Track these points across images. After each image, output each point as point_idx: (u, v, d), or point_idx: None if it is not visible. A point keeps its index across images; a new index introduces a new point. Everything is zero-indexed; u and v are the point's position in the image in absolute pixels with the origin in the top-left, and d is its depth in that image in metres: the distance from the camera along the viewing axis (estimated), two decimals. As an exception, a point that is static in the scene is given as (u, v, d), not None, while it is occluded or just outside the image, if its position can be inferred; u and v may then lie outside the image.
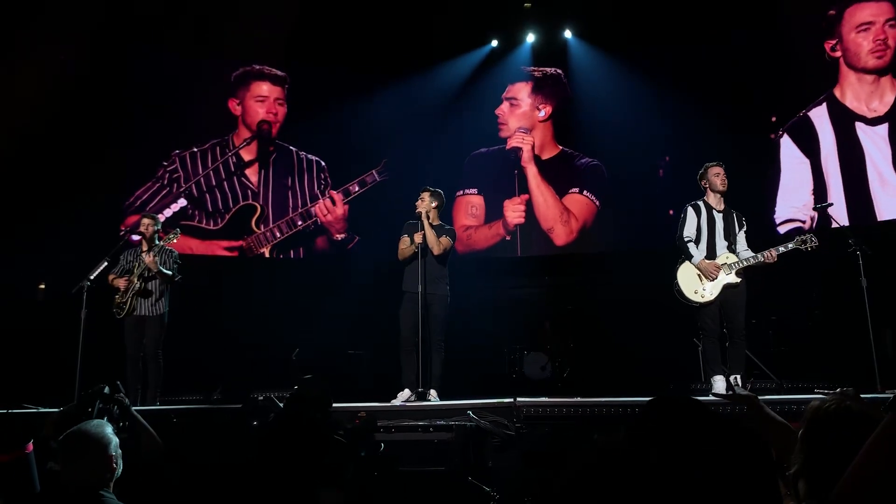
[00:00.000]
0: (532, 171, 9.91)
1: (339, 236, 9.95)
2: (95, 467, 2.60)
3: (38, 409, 5.55)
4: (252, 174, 9.88)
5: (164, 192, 9.43)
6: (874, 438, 1.14)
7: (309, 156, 10.09)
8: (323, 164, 10.10)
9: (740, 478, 1.28)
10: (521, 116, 10.13)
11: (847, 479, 1.16)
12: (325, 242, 9.97)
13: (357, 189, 9.98)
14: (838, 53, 8.44)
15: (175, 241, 6.74)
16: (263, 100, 9.99)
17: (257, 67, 10.02)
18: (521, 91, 10.20)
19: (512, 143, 10.04)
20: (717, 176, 5.87)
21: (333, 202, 9.93)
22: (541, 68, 10.13)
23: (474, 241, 9.99)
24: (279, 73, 10.05)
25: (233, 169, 9.81)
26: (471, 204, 10.09)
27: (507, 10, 9.92)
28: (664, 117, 8.94)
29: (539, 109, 10.09)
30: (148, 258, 6.41)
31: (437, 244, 6.17)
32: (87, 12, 8.30)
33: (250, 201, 9.78)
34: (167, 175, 9.50)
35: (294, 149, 10.08)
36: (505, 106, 10.18)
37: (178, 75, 9.28)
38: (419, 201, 6.29)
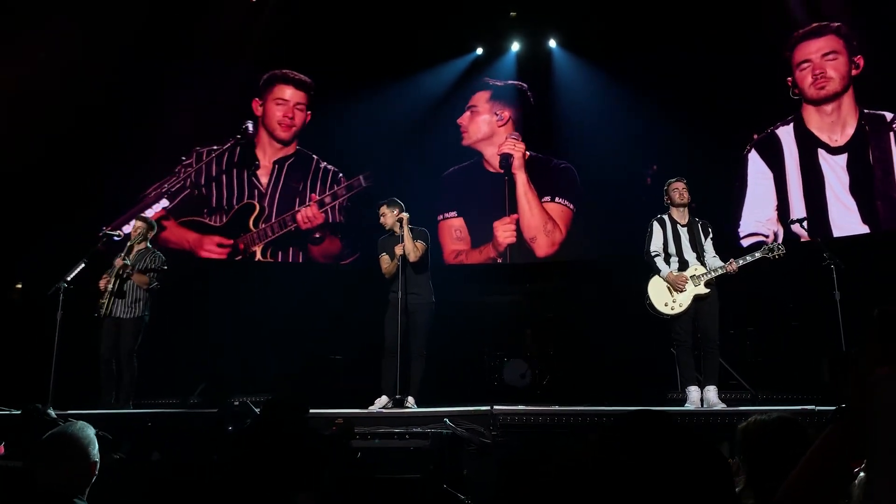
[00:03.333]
0: (522, 179, 9.91)
1: (317, 234, 9.90)
2: (74, 473, 2.47)
3: (10, 411, 5.49)
4: (263, 175, 9.87)
5: (178, 186, 9.46)
6: (815, 447, 1.22)
7: (327, 165, 10.04)
8: (340, 175, 10.03)
9: (701, 490, 1.31)
10: (482, 123, 10.17)
11: (788, 485, 1.23)
12: (318, 242, 9.96)
13: (344, 193, 9.95)
14: (797, 90, 8.76)
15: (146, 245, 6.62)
16: (283, 103, 9.97)
17: (284, 71, 9.99)
18: (481, 99, 10.26)
19: (503, 149, 10.03)
20: (675, 191, 6.00)
21: (317, 207, 9.90)
22: (504, 81, 10.23)
23: (466, 264, 10.00)
24: (304, 78, 10.01)
25: (245, 167, 9.81)
26: (454, 227, 10.05)
27: (493, 19, 9.97)
28: (650, 127, 9.03)
29: (496, 115, 10.15)
30: (117, 261, 6.40)
31: (413, 251, 6.13)
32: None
33: (253, 201, 9.76)
34: (183, 169, 9.53)
35: (316, 157, 10.05)
36: (466, 115, 10.23)
37: (195, 78, 9.19)
38: (382, 218, 6.26)
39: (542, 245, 9.75)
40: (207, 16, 9.09)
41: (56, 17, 7.98)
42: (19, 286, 8.25)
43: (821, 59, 8.55)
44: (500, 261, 9.86)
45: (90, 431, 2.58)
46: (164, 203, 9.39)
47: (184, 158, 9.55)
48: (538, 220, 9.79)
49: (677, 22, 8.95)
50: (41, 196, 8.07)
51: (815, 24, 8.62)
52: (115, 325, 6.42)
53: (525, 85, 10.19)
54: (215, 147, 9.73)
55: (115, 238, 6.83)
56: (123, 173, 9.13)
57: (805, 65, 8.65)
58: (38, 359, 6.31)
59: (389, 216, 6.24)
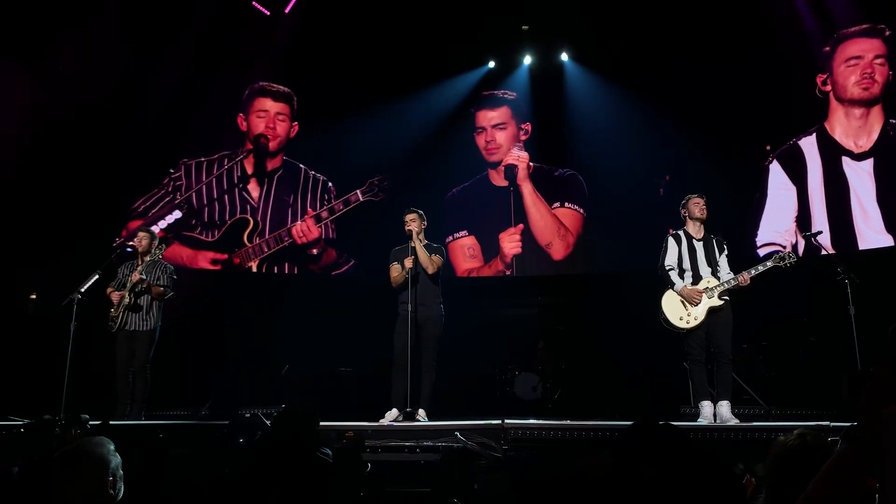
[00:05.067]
0: (528, 189, 9.96)
1: (314, 250, 9.91)
2: (90, 491, 2.29)
3: (24, 421, 5.51)
4: (253, 188, 9.89)
5: (167, 199, 9.43)
6: (826, 467, 1.21)
7: (316, 174, 10.08)
8: (330, 184, 10.06)
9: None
10: (511, 138, 10.19)
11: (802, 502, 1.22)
12: (316, 260, 9.95)
13: (342, 208, 9.97)
14: (828, 87, 8.62)
15: (160, 255, 6.57)
16: (263, 115, 10.00)
17: (262, 84, 10.03)
18: (504, 115, 10.26)
19: (507, 161, 10.07)
20: (696, 206, 5.98)
21: (313, 222, 9.91)
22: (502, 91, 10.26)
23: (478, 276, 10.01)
24: (283, 89, 10.04)
25: (235, 181, 9.82)
26: (466, 246, 10.08)
27: (505, 33, 10.02)
28: (662, 138, 9.03)
29: (521, 129, 10.18)
30: (134, 276, 6.39)
31: (430, 263, 6.18)
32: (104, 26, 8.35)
33: (246, 215, 9.77)
34: (171, 183, 9.51)
35: (304, 167, 10.08)
36: (491, 132, 10.22)
37: (190, 87, 9.23)
38: (409, 223, 6.28)
39: (559, 249, 9.78)
40: (227, 30, 9.25)
41: (67, 34, 8.10)
42: (33, 297, 8.31)
43: (872, 59, 8.40)
44: (508, 272, 9.85)
45: (110, 446, 2.43)
46: (178, 214, 9.44)
47: (171, 170, 9.54)
48: (551, 227, 9.82)
49: (687, 32, 8.96)
50: (56, 208, 8.14)
51: (866, 25, 8.45)
52: (129, 337, 6.44)
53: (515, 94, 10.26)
54: (203, 159, 9.73)
55: (129, 250, 6.87)
56: (136, 184, 9.21)
57: (854, 61, 8.46)
58: (52, 369, 6.33)
59: (416, 223, 6.28)
